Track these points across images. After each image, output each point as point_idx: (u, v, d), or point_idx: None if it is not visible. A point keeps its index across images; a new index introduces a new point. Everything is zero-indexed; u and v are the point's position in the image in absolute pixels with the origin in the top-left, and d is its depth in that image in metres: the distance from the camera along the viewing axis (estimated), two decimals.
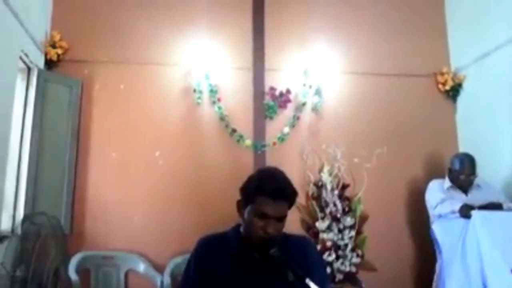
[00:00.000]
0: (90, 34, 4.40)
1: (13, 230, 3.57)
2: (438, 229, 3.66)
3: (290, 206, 1.91)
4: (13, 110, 3.65)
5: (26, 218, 3.47)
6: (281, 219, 1.87)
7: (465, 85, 4.65)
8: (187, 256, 2.05)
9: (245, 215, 1.91)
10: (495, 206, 3.42)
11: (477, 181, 3.78)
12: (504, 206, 3.48)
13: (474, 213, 3.29)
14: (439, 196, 3.74)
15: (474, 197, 3.68)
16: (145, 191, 4.18)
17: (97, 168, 4.18)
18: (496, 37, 4.12)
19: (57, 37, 4.23)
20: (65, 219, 3.89)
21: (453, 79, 4.69)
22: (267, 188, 1.85)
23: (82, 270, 3.79)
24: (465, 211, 3.37)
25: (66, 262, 3.53)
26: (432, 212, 3.79)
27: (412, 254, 4.37)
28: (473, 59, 4.48)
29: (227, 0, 4.66)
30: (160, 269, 3.96)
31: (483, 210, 3.36)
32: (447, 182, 3.85)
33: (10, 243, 3.33)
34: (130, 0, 4.52)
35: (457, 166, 3.80)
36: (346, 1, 4.83)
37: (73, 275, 3.57)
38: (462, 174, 3.75)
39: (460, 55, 4.72)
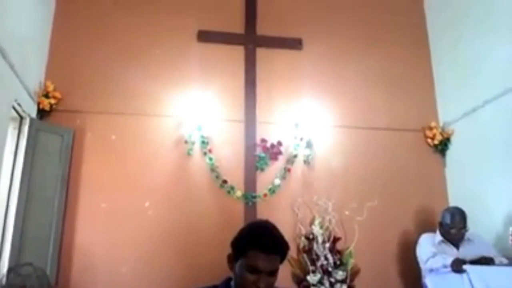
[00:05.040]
0: (83, 85, 4.44)
1: None
2: (430, 284, 3.61)
3: (282, 260, 1.89)
4: (3, 159, 3.62)
5: (11, 269, 3.38)
6: (273, 273, 1.85)
7: (454, 139, 4.72)
8: None
9: (236, 269, 1.87)
10: (486, 261, 3.40)
11: (468, 235, 3.77)
12: (496, 260, 3.45)
13: (468, 268, 3.26)
14: (430, 250, 3.72)
15: (466, 251, 3.68)
16: (134, 242, 4.10)
17: (86, 218, 4.12)
18: (484, 93, 4.21)
19: (50, 87, 4.27)
20: (51, 270, 3.80)
21: (441, 134, 4.76)
22: (259, 241, 1.83)
23: None
24: (457, 266, 3.33)
25: None
26: (424, 267, 3.76)
27: None
28: (461, 114, 4.56)
29: (219, 53, 4.75)
30: None
31: (475, 264, 3.33)
32: (438, 236, 3.85)
33: None
34: (123, 53, 4.59)
35: (448, 220, 3.80)
36: (336, 57, 4.95)
37: None
38: (453, 228, 3.75)
39: (448, 110, 4.81)
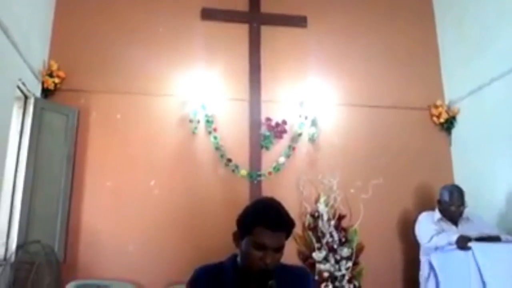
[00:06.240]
0: (88, 64, 4.43)
1: (5, 258, 3.52)
2: (436, 261, 3.63)
3: (287, 236, 1.91)
4: (9, 138, 3.64)
5: (20, 246, 3.43)
6: (279, 249, 1.86)
7: (459, 118, 4.69)
8: (182, 286, 2.04)
9: (243, 246, 1.89)
10: (492, 238, 3.41)
11: (467, 214, 3.81)
12: (502, 238, 3.45)
13: (474, 245, 3.27)
14: (432, 228, 3.74)
15: (464, 229, 3.69)
16: (140, 220, 4.14)
17: (92, 196, 4.15)
18: (490, 71, 4.17)
19: (54, 66, 4.26)
20: (58, 247, 3.85)
21: (447, 112, 4.73)
22: (265, 219, 1.84)
23: None
24: (462, 243, 3.34)
25: None
26: (426, 245, 3.76)
27: (408, 286, 4.32)
28: (467, 92, 4.53)
29: (223, 32, 4.72)
30: None
31: (480, 242, 3.34)
32: (437, 214, 3.87)
33: (3, 272, 3.28)
34: (127, 32, 4.57)
35: (446, 197, 3.83)
36: (341, 35, 4.91)
37: None
38: (452, 205, 3.78)
39: (454, 88, 4.77)
